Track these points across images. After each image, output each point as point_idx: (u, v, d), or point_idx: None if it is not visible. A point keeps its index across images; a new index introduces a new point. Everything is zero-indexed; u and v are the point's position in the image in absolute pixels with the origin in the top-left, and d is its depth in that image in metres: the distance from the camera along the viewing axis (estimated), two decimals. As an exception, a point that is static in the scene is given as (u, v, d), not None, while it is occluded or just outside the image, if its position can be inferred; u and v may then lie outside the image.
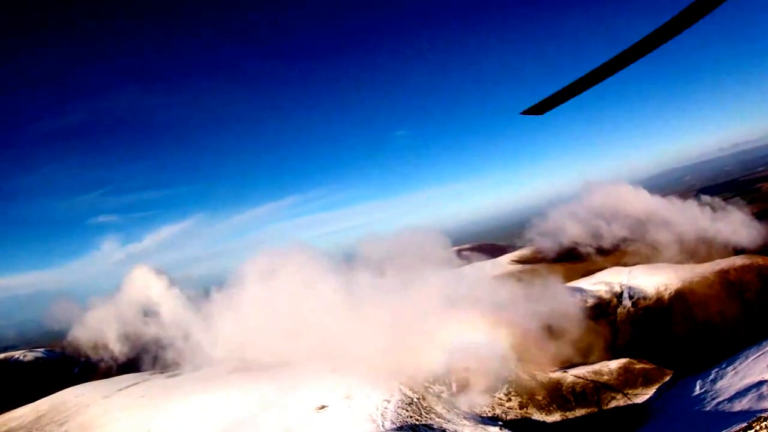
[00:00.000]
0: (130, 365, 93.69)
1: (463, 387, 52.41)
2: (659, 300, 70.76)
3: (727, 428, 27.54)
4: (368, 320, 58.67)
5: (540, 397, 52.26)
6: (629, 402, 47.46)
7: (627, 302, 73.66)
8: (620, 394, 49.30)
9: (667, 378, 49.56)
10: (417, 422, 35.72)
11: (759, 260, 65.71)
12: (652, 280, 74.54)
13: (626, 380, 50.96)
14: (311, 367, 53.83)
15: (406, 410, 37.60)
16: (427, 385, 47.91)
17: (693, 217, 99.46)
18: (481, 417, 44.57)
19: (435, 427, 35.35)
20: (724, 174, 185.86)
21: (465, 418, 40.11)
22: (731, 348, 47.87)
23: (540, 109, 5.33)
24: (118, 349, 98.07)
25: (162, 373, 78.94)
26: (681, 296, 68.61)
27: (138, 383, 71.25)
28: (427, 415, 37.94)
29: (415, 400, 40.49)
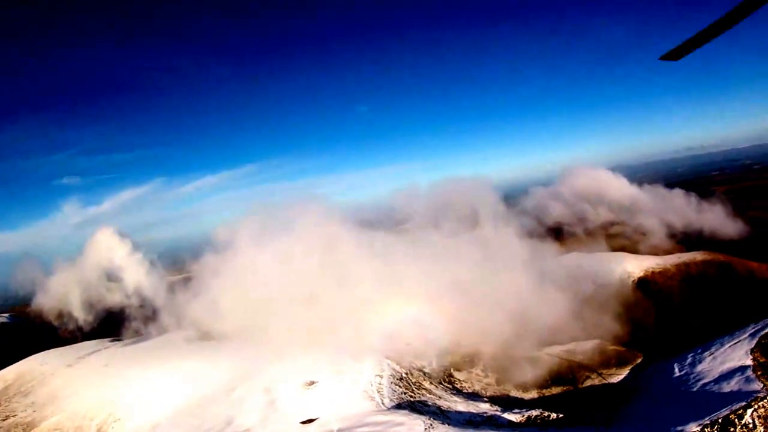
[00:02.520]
0: (96, 332, 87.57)
1: (443, 361, 50.72)
2: (623, 286, 71.33)
3: (729, 406, 27.66)
4: (350, 292, 55.58)
5: (516, 374, 51.27)
6: (604, 381, 47.17)
7: (589, 287, 73.73)
8: (595, 373, 48.96)
9: (639, 360, 49.54)
10: (411, 399, 33.35)
11: (720, 257, 67.03)
12: (615, 268, 75.06)
13: (600, 361, 50.71)
14: (292, 340, 50.44)
15: (398, 386, 35.20)
16: (410, 359, 45.73)
17: (669, 208, 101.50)
18: (464, 392, 42.83)
19: (430, 403, 33.09)
20: (675, 175, 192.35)
21: (453, 394, 38.07)
22: (696, 336, 48.51)
23: (677, 54, 5.63)
24: (82, 317, 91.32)
25: (121, 340, 73.92)
26: (644, 284, 69.36)
27: (99, 350, 66.25)
28: (418, 391, 35.68)
29: (403, 375, 38.19)
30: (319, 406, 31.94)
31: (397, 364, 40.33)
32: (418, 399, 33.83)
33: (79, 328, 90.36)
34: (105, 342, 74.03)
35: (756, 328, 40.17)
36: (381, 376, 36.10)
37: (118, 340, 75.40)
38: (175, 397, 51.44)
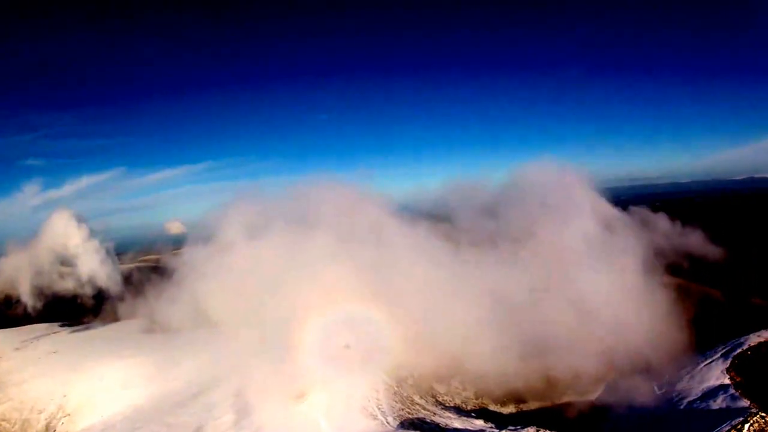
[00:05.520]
0: (44, 317, 78.82)
1: (421, 373, 47.59)
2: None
3: (728, 422, 26.84)
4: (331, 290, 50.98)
5: (494, 388, 49.23)
6: (580, 398, 45.95)
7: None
8: (571, 389, 47.68)
9: (613, 377, 48.72)
10: (410, 415, 30.19)
11: (678, 280, 68.11)
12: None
13: (576, 376, 49.36)
14: (268, 341, 45.57)
15: (395, 401, 31.79)
16: (395, 369, 42.30)
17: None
18: (449, 406, 40.07)
19: (428, 420, 30.05)
20: (620, 202, 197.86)
21: (443, 408, 35.19)
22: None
23: None
24: (31, 303, 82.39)
25: (70, 325, 67.24)
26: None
27: (47, 335, 60.43)
28: (412, 407, 32.48)
29: (396, 389, 34.69)
30: (314, 423, 28.09)
31: (387, 375, 36.81)
32: (415, 416, 30.71)
33: (27, 315, 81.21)
34: (54, 326, 66.59)
35: (726, 349, 40.60)
36: (378, 391, 32.63)
37: (69, 325, 68.20)
38: (131, 395, 45.78)
